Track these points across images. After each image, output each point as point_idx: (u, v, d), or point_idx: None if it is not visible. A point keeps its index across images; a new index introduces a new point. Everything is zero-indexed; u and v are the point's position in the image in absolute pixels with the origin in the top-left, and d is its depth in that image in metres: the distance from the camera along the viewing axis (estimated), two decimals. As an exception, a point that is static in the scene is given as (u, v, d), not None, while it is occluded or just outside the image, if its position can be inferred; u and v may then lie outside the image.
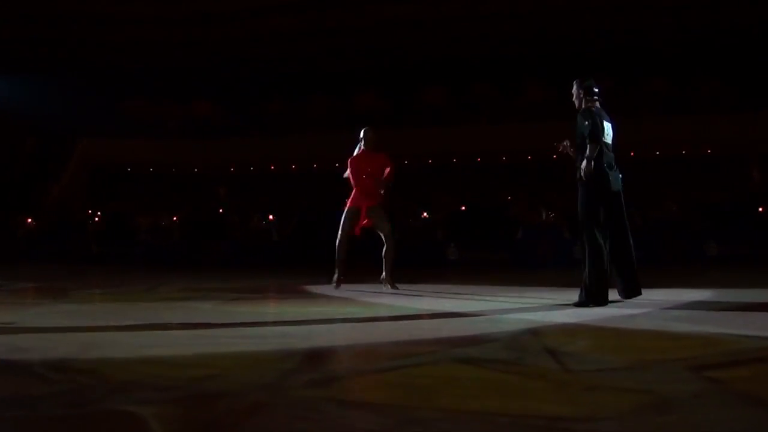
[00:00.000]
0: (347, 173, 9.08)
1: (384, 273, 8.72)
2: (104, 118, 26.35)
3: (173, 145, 26.40)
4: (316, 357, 4.05)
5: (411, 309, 6.60)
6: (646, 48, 24.12)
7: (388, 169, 8.86)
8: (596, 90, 6.51)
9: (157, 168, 27.05)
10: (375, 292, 8.10)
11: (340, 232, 8.90)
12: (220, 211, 21.81)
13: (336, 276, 8.84)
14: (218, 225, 19.82)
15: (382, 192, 8.83)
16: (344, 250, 8.88)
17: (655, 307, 6.16)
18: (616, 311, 5.90)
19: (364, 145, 8.93)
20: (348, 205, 8.92)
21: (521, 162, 24.57)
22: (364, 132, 8.97)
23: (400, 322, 5.86)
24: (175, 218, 20.69)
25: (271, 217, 19.93)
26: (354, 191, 8.95)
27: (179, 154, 26.29)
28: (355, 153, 9.08)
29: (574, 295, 7.53)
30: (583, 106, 6.50)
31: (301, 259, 17.45)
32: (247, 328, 5.46)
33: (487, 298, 7.46)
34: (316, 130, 26.17)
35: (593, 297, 6.22)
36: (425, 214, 17.62)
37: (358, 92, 27.27)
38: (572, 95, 6.69)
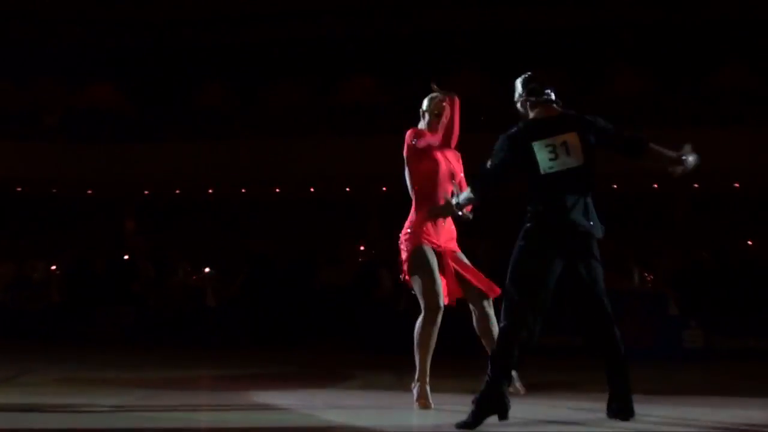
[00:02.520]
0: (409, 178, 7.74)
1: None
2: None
3: (55, 150, 26.37)
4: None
5: (422, 421, 6.62)
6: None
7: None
8: (546, 91, 6.70)
9: (28, 187, 26.98)
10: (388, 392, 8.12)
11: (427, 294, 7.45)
12: (126, 257, 21.75)
13: (416, 381, 7.43)
14: (122, 279, 19.77)
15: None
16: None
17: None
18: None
19: (426, 124, 7.80)
20: (413, 242, 7.57)
21: (600, 188, 24.64)
22: (430, 102, 7.86)
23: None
24: (53, 267, 20.60)
25: (206, 268, 19.88)
26: (418, 217, 7.64)
27: (64, 165, 26.25)
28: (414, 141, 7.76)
29: (682, 408, 7.56)
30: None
31: (251, 335, 17.38)
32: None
33: (541, 407, 7.48)
34: (279, 132, 26.18)
35: (482, 407, 6.27)
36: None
37: (345, 76, 27.36)
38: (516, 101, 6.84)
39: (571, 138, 6.46)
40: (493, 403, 6.25)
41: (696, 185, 23.82)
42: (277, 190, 26.25)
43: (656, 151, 6.80)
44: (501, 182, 6.67)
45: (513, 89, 6.85)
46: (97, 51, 27.31)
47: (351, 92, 26.94)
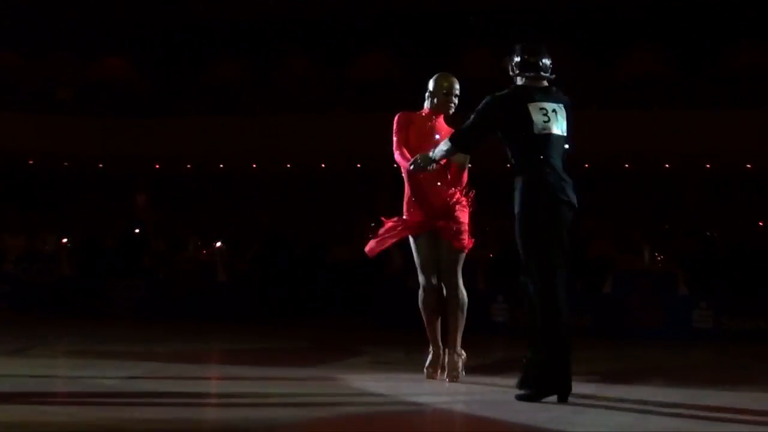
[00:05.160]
0: (397, 156, 7.81)
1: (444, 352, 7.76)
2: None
3: (66, 124, 26.41)
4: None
5: (432, 401, 6.63)
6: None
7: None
8: (541, 63, 6.88)
9: (40, 160, 27.02)
10: (387, 374, 8.13)
11: (422, 284, 7.85)
12: (137, 231, 21.77)
13: (429, 359, 7.75)
14: (132, 253, 19.81)
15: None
16: (434, 314, 7.79)
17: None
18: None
19: (435, 105, 7.85)
20: (405, 224, 7.89)
21: (611, 168, 24.58)
22: (436, 81, 7.89)
23: (402, 415, 5.88)
24: (64, 241, 20.63)
25: (218, 243, 19.90)
26: (409, 196, 7.86)
27: (76, 138, 26.29)
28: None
29: (691, 387, 7.55)
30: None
31: (263, 310, 17.41)
32: (174, 413, 5.49)
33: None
34: (291, 108, 26.16)
35: (544, 383, 6.39)
36: None
37: (357, 53, 27.31)
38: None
39: (560, 109, 6.75)
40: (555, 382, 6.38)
41: (708, 165, 23.75)
42: (288, 165, 26.22)
43: None
44: (482, 139, 6.95)
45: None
46: (111, 25, 27.31)
47: (364, 69, 26.88)
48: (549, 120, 6.64)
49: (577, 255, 17.58)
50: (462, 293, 7.67)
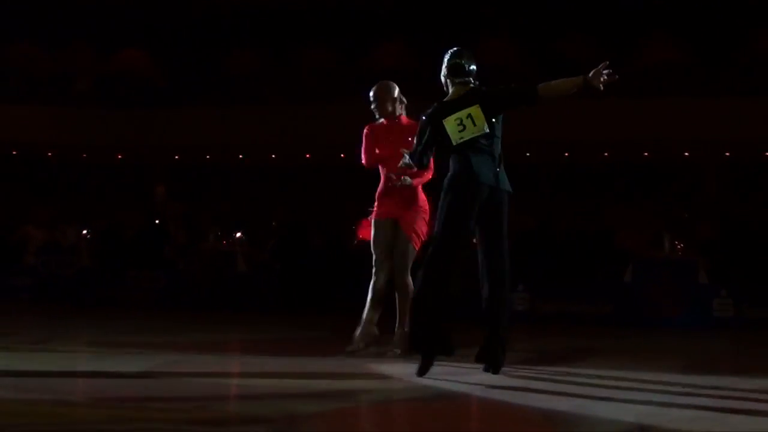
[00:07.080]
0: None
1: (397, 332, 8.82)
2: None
3: (85, 116, 26.44)
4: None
5: (452, 388, 6.64)
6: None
7: None
8: (467, 69, 7.57)
9: (59, 152, 27.06)
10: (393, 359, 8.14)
11: (375, 268, 8.89)
12: (157, 222, 21.81)
13: (359, 332, 8.89)
14: (153, 244, 19.84)
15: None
16: (381, 300, 8.94)
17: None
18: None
19: (377, 112, 9.06)
20: (373, 216, 8.91)
21: (631, 157, 24.49)
22: (374, 92, 9.09)
23: (423, 403, 5.89)
24: (84, 232, 20.70)
25: (237, 234, 19.93)
26: (381, 190, 8.98)
27: (95, 130, 26.34)
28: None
29: (712, 376, 7.52)
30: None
31: (283, 300, 17.43)
32: (195, 403, 5.49)
33: (569, 377, 7.48)
34: (309, 98, 26.13)
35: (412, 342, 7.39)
36: None
37: (375, 42, 27.25)
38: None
39: (475, 110, 7.36)
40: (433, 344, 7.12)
41: (727, 153, 23.64)
42: (308, 156, 26.21)
43: (552, 86, 7.38)
44: (426, 157, 7.69)
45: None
46: (130, 17, 27.31)
47: (381, 58, 26.82)
48: (464, 128, 7.33)
49: (600, 244, 17.67)
50: (409, 281, 8.60)
